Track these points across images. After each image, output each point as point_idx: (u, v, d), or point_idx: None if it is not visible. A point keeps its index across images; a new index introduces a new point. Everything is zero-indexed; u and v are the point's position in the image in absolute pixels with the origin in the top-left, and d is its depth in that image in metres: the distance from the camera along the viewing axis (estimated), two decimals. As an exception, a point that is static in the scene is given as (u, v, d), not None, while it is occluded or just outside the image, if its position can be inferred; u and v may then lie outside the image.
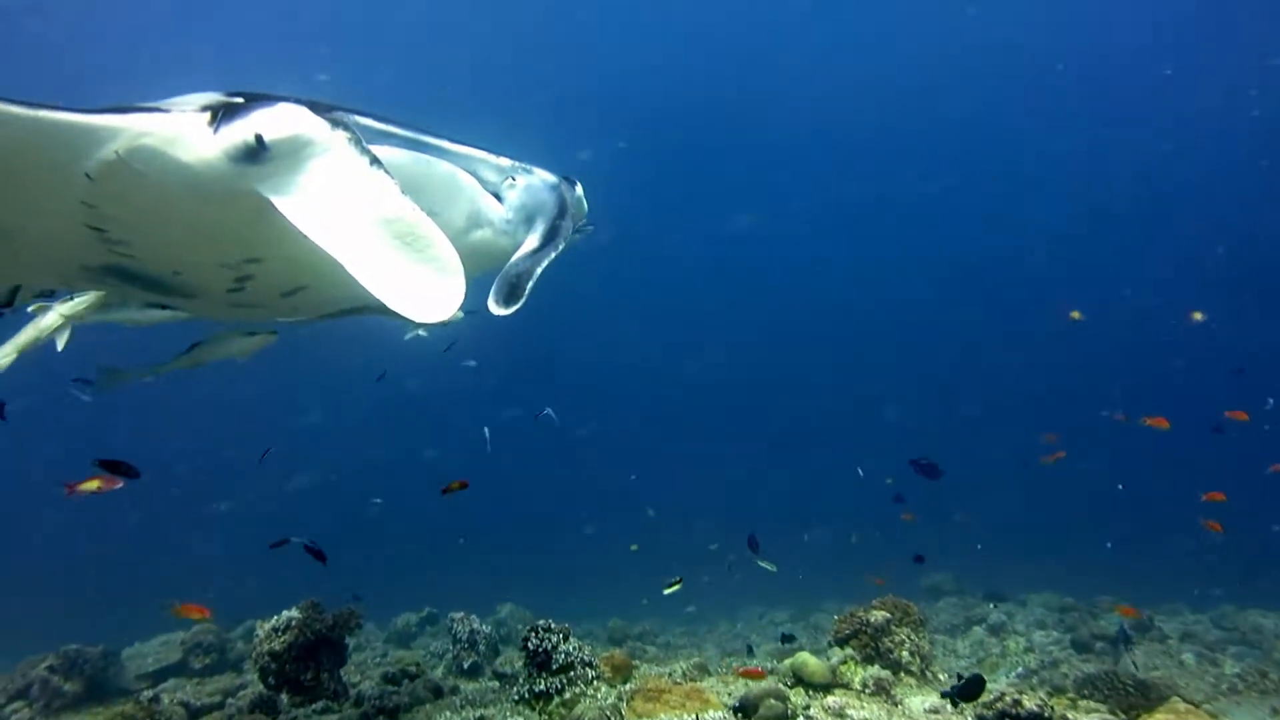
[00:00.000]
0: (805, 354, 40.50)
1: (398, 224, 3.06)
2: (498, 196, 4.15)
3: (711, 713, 5.91)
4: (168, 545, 26.15)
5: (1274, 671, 9.12)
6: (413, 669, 8.59)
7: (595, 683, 6.58)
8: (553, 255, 3.83)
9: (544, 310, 4.04)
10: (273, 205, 3.13)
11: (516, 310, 3.54)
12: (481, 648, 9.74)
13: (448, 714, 6.90)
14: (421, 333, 8.42)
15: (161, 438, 28.24)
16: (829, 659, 7.05)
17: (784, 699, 6.07)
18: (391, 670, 8.51)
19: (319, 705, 7.07)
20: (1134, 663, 9.85)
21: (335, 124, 3.14)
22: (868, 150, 37.53)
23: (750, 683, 6.44)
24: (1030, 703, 5.27)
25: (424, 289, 3.06)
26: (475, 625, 9.89)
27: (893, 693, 6.56)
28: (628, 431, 36.14)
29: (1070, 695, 7.09)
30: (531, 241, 3.93)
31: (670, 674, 7.18)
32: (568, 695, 6.39)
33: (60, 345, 5.31)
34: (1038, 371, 36.39)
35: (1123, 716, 6.14)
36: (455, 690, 8.18)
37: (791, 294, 40.70)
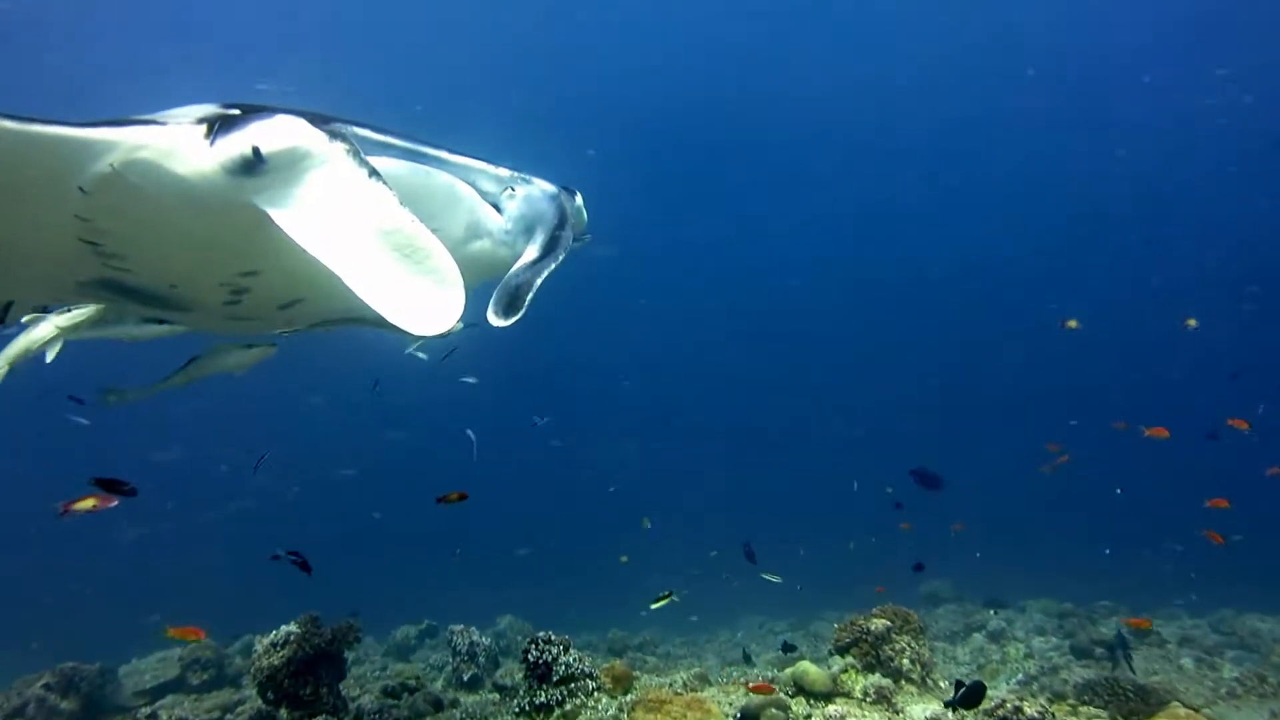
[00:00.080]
0: (804, 357, 40.51)
1: (396, 235, 3.04)
2: (497, 207, 4.14)
3: (713, 723, 5.90)
4: (164, 559, 26.04)
5: (1272, 675, 9.14)
6: (412, 682, 8.56)
7: (596, 694, 6.57)
8: (553, 266, 3.81)
9: (541, 319, 4.01)
10: (270, 218, 3.10)
11: (516, 321, 3.52)
12: (481, 660, 9.70)
13: (448, 727, 6.88)
14: (421, 355, 8.42)
15: (159, 448, 28.17)
16: (830, 668, 7.04)
17: (785, 708, 6.07)
18: (391, 684, 8.48)
19: (319, 720, 7.04)
20: (1131, 668, 9.84)
21: (333, 135, 3.12)
22: (867, 152, 37.39)
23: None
24: (1031, 709, 5.27)
25: (423, 301, 3.03)
26: (475, 637, 9.85)
27: (894, 701, 6.56)
28: (627, 437, 36.06)
29: (1071, 701, 7.10)
30: (531, 252, 3.91)
31: (671, 684, 7.16)
32: (568, 707, 6.37)
33: (50, 357, 5.27)
34: (1036, 375, 36.40)
35: (1123, 722, 6.14)
36: (455, 703, 8.14)
37: (790, 296, 40.69)
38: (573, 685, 6.50)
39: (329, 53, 30.23)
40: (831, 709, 6.24)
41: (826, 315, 40.44)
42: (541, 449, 29.92)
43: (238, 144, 3.02)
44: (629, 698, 6.60)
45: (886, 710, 6.39)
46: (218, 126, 3.08)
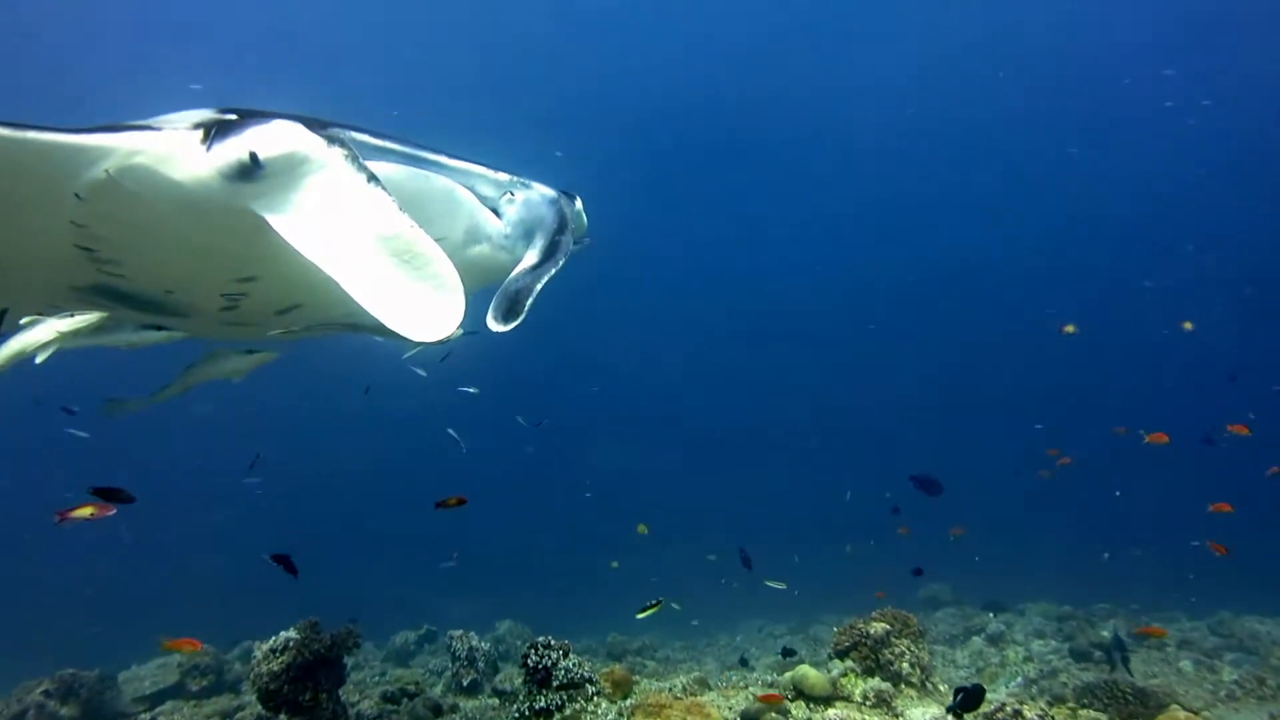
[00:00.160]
0: (803, 358, 40.53)
1: (395, 241, 3.03)
2: (496, 211, 4.13)
3: (713, 727, 5.89)
4: (163, 564, 26.00)
5: (1271, 678, 9.14)
6: (412, 687, 8.55)
7: (596, 699, 6.55)
8: (553, 271, 3.80)
9: (541, 321, 4.01)
10: (268, 223, 3.10)
11: (516, 327, 3.51)
12: (481, 665, 9.68)
13: (447, 732, 6.86)
14: (421, 372, 8.41)
15: (158, 452, 28.16)
16: (829, 671, 7.03)
17: (785, 713, 6.06)
18: (391, 689, 8.46)
19: (318, 726, 7.02)
20: (1128, 670, 9.84)
21: (331, 140, 3.11)
22: (865, 153, 37.35)
23: (753, 692, 6.42)
24: (1031, 712, 5.26)
25: (422, 307, 3.03)
26: (474, 642, 9.83)
27: (893, 704, 6.55)
28: (624, 441, 36.03)
29: (1070, 704, 7.09)
30: (531, 257, 3.90)
31: (671, 689, 7.14)
32: (568, 712, 6.36)
33: (40, 359, 5.23)
34: (1034, 378, 36.40)
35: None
36: (455, 708, 8.13)
37: (788, 299, 40.70)
38: (573, 690, 6.49)
39: (309, 56, 30.30)
40: (832, 713, 6.24)
41: (826, 316, 40.45)
42: (541, 451, 29.93)
43: (235, 149, 3.02)
44: (629, 702, 6.59)
45: (886, 714, 6.38)
46: (214, 132, 3.08)
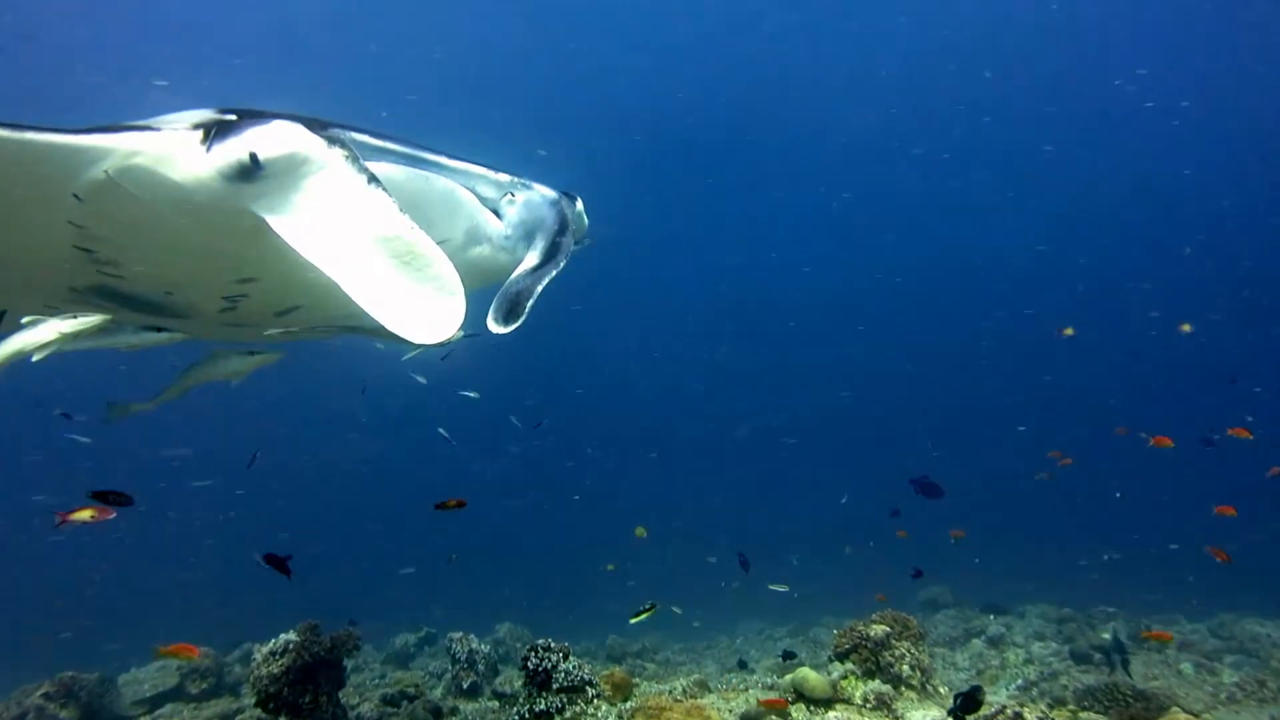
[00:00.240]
0: (803, 359, 40.54)
1: (396, 242, 3.01)
2: (496, 212, 4.11)
3: (713, 730, 5.87)
4: (163, 567, 26.01)
5: (1272, 680, 9.13)
6: (412, 690, 8.54)
7: (596, 701, 6.54)
8: (554, 273, 3.77)
9: (541, 323, 3.99)
10: (267, 225, 3.08)
11: (516, 329, 3.49)
12: (480, 667, 9.67)
13: (447, 735, 6.85)
14: (420, 379, 8.40)
15: (158, 451, 28.13)
16: (829, 674, 7.01)
17: (785, 715, 6.04)
18: (390, 692, 8.45)
19: (318, 728, 7.01)
20: (1128, 673, 9.83)
21: (331, 141, 3.09)
22: (865, 153, 37.29)
23: (753, 695, 6.41)
24: (1031, 715, 5.25)
25: (423, 309, 3.01)
26: (474, 645, 9.82)
27: (893, 707, 6.54)
28: (625, 444, 36.03)
29: (1071, 707, 7.07)
30: (531, 259, 3.87)
31: (671, 691, 7.13)
32: (569, 714, 6.34)
33: (36, 359, 5.21)
34: (1034, 378, 36.41)
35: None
36: (455, 711, 8.12)
37: (786, 299, 40.69)
38: (573, 693, 6.48)
39: (309, 56, 30.31)
40: (832, 715, 6.23)
41: (826, 316, 40.43)
42: (540, 453, 29.92)
43: (234, 150, 3.00)
44: (629, 705, 6.58)
45: (887, 716, 6.37)
46: (214, 132, 3.06)
